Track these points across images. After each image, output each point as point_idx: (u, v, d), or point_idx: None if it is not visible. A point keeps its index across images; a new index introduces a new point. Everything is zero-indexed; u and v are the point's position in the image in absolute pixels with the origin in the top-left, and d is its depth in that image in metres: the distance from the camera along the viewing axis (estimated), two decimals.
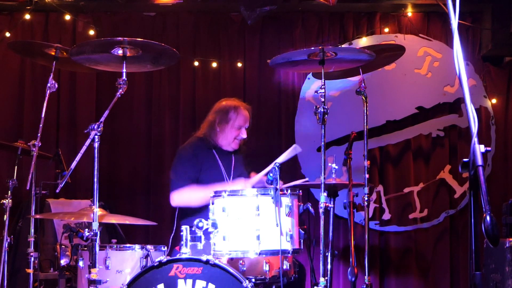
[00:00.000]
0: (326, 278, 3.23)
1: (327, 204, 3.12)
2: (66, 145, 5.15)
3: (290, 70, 5.05)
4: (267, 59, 3.63)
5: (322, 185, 3.12)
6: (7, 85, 5.30)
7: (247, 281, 2.93)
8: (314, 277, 3.88)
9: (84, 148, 2.87)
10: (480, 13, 5.39)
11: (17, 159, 3.92)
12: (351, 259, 3.75)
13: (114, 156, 5.26)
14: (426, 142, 5.42)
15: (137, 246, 3.41)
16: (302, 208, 3.23)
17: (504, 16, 5.14)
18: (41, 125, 3.61)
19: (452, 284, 5.31)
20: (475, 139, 1.65)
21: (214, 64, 5.38)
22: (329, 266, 3.68)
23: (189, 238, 3.07)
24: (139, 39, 3.12)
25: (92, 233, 2.88)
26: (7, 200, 3.71)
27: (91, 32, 5.26)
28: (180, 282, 2.97)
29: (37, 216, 3.75)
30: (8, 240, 3.66)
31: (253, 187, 3.69)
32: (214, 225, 3.12)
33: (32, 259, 3.58)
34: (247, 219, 3.10)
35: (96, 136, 2.89)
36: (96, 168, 2.89)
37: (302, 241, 3.22)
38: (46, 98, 3.65)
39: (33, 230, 3.64)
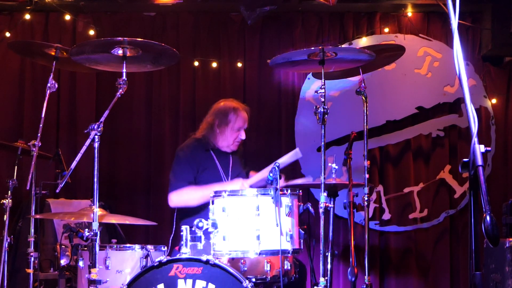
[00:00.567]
0: (326, 278, 3.23)
1: (327, 204, 3.13)
2: (66, 145, 5.15)
3: (290, 70, 5.05)
4: (267, 59, 3.63)
5: (322, 185, 3.12)
6: (7, 85, 5.30)
7: (247, 281, 2.93)
8: (314, 277, 3.88)
9: (84, 148, 2.87)
10: (480, 13, 5.39)
11: (17, 159, 3.92)
12: (351, 259, 3.75)
13: (114, 156, 5.26)
14: (426, 142, 5.41)
15: (137, 246, 3.41)
16: (302, 208, 3.23)
17: (504, 16, 5.14)
18: (41, 125, 3.61)
19: (452, 284, 5.31)
20: (475, 139, 1.65)
21: (214, 64, 5.38)
22: (329, 266, 3.68)
23: (189, 238, 3.07)
24: (139, 39, 3.12)
25: (92, 233, 2.88)
26: (7, 200, 3.71)
27: (91, 32, 5.26)
28: (180, 282, 2.97)
29: (37, 216, 3.75)
30: (8, 240, 3.66)
31: (252, 186, 3.69)
32: (214, 225, 3.12)
33: (32, 259, 3.58)
34: (247, 219, 3.11)
35: (96, 136, 2.89)
36: (96, 168, 2.89)
37: (302, 241, 3.22)
38: (46, 98, 3.65)
39: (33, 230, 3.64)
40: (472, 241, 1.64)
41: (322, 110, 3.18)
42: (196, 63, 5.37)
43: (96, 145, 2.90)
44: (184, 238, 3.07)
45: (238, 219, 3.13)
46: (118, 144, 5.28)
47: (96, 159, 2.89)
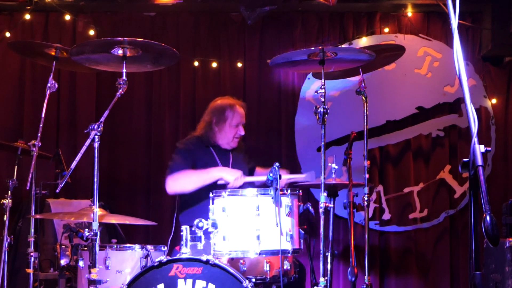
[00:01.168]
0: (326, 278, 3.23)
1: (327, 204, 3.12)
2: (66, 145, 5.16)
3: (290, 70, 5.06)
4: (267, 59, 3.63)
5: (322, 185, 3.12)
6: (7, 85, 5.30)
7: (247, 281, 2.93)
8: (314, 277, 3.88)
9: (84, 148, 2.87)
10: (480, 13, 5.38)
11: (17, 159, 3.92)
12: (351, 259, 3.75)
13: (114, 156, 5.26)
14: (426, 142, 5.41)
15: (137, 246, 3.41)
16: (302, 208, 3.23)
17: (504, 16, 5.14)
18: (41, 125, 3.61)
19: (452, 284, 5.31)
20: (475, 139, 1.65)
21: (214, 64, 5.38)
22: (329, 266, 3.68)
23: (189, 238, 3.07)
24: (139, 39, 3.12)
25: (92, 233, 2.88)
26: (7, 200, 3.71)
27: (91, 32, 5.26)
28: (180, 282, 2.97)
29: (37, 216, 3.75)
30: (8, 240, 3.66)
31: (249, 185, 3.68)
32: (214, 225, 3.12)
33: (32, 259, 3.58)
34: (247, 219, 3.11)
35: (96, 136, 2.89)
36: (96, 168, 2.89)
37: (302, 241, 3.22)
38: (46, 98, 3.65)
39: (33, 230, 3.64)
40: (472, 241, 1.64)
41: (322, 110, 3.17)
42: (196, 63, 5.37)
43: (96, 145, 2.90)
44: (184, 238, 3.07)
45: (238, 219, 3.13)
46: (118, 144, 5.28)
47: (96, 159, 2.89)
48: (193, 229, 3.10)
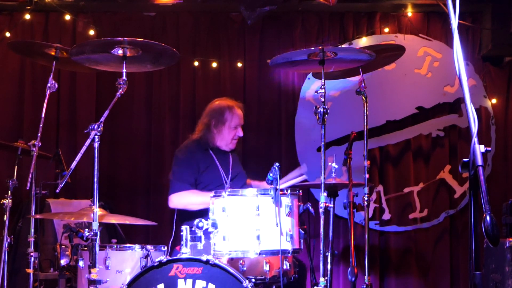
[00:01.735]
0: (326, 278, 3.22)
1: (327, 204, 3.12)
2: (66, 145, 5.15)
3: (290, 70, 5.05)
4: (267, 59, 3.63)
5: (322, 185, 3.12)
6: (7, 85, 5.30)
7: (247, 281, 2.93)
8: (314, 277, 3.88)
9: (84, 148, 2.87)
10: (480, 13, 5.39)
11: (17, 159, 3.92)
12: (351, 259, 3.75)
13: (114, 156, 5.27)
14: (426, 142, 5.41)
15: (137, 246, 3.41)
16: (302, 208, 3.23)
17: (504, 16, 5.14)
18: (41, 125, 3.61)
19: (452, 284, 5.31)
20: (475, 139, 1.65)
21: (214, 64, 5.38)
22: (329, 266, 3.68)
23: (189, 238, 3.07)
24: (139, 39, 3.12)
25: (92, 233, 2.88)
26: (7, 200, 3.71)
27: (91, 32, 5.26)
28: (180, 282, 2.97)
29: (37, 216, 3.75)
30: (8, 240, 3.66)
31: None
32: (214, 225, 3.12)
33: (32, 259, 3.57)
34: (247, 219, 3.10)
35: (96, 136, 2.89)
36: (96, 168, 2.89)
37: (302, 241, 3.22)
38: (46, 98, 3.65)
39: (33, 230, 3.64)
40: (472, 241, 1.64)
41: (322, 110, 3.17)
42: (196, 63, 5.37)
43: (96, 145, 2.90)
44: (184, 238, 3.07)
45: (238, 219, 3.13)
46: (118, 144, 5.28)
47: (96, 159, 2.89)
48: (193, 229, 3.10)
